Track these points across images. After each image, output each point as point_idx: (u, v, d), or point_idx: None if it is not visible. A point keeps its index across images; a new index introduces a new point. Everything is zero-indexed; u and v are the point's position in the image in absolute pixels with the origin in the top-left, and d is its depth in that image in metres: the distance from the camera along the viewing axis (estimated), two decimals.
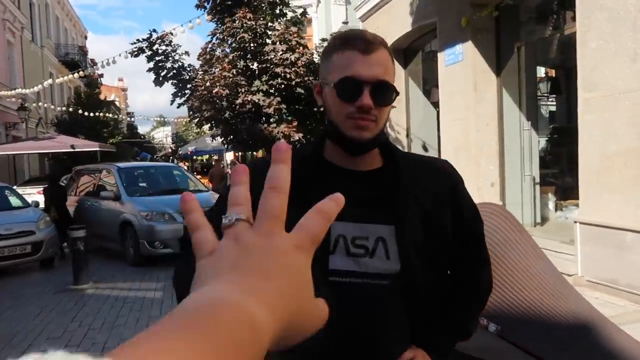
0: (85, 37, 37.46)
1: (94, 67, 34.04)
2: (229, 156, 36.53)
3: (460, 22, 7.38)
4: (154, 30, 7.04)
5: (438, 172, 1.24)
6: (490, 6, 6.98)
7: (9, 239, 7.53)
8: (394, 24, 9.70)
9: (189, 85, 6.86)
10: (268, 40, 6.29)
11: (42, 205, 9.69)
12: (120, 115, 30.76)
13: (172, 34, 6.95)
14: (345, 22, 10.37)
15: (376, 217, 1.13)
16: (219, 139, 7.43)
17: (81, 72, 13.87)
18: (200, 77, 6.51)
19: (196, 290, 0.35)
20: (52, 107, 22.15)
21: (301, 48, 6.31)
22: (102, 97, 26.01)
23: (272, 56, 6.18)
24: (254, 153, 7.47)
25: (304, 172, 1.02)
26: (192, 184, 9.50)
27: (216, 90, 5.96)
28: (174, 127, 61.52)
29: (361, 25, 11.27)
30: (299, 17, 6.84)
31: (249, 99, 6.04)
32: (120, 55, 7.32)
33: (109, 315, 5.34)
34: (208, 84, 6.12)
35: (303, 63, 6.25)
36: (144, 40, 7.10)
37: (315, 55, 6.67)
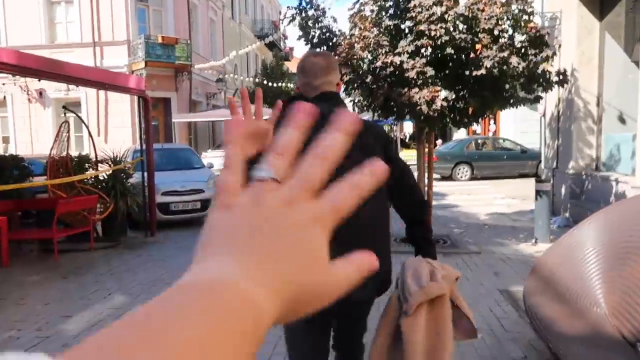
0: (279, 12, 40.20)
1: (285, 39, 36.41)
2: (407, 127, 35.89)
3: None
4: None
5: None
6: None
7: (182, 195, 8.46)
8: None
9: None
10: None
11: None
12: None
13: None
14: None
15: None
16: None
17: (266, 40, 14.66)
18: (342, 39, 6.19)
19: (204, 256, 0.34)
20: (247, 78, 24.42)
21: (450, 1, 5.50)
22: (291, 68, 27.74)
23: (417, 12, 5.53)
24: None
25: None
26: None
27: (354, 50, 5.60)
28: None
29: None
30: None
31: (389, 61, 5.52)
32: (282, 22, 7.44)
33: None
34: (347, 45, 5.78)
35: (452, 17, 5.45)
36: (294, 7, 7.03)
37: (463, 8, 5.75)
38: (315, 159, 0.37)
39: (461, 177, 16.90)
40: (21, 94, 17.52)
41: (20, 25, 17.74)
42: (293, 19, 7.13)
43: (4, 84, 16.94)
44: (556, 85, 6.24)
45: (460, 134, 22.98)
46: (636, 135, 6.93)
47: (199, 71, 19.58)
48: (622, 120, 8.56)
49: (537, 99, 6.38)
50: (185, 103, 19.21)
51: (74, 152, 8.81)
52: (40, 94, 17.67)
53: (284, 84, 21.96)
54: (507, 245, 7.02)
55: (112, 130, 17.68)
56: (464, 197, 12.95)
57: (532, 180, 16.19)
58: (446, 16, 5.36)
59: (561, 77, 6.01)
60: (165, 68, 17.95)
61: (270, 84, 20.92)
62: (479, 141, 18.22)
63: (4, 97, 18.01)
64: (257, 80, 22.14)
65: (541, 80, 6.07)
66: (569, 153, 8.95)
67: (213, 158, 13.57)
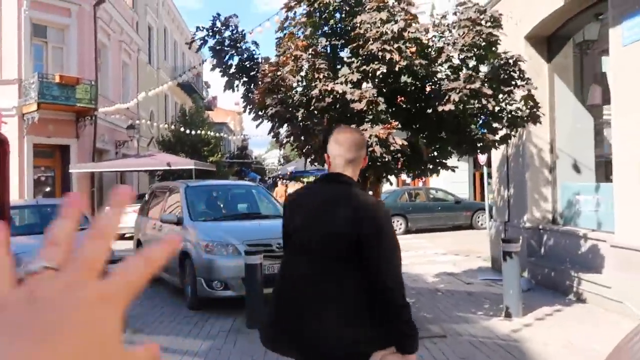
0: (203, 62, 38.79)
1: (207, 87, 34.94)
2: None
3: None
4: (218, 15, 5.51)
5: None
6: None
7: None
8: (536, 2, 7.33)
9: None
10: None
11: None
12: (229, 135, 30.91)
13: (236, 16, 5.36)
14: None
15: None
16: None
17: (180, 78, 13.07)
18: (266, 63, 4.77)
19: None
20: (162, 125, 22.42)
21: (409, 15, 4.30)
22: (214, 119, 26.03)
23: (366, 28, 4.26)
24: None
25: None
26: (268, 208, 7.97)
27: (281, 73, 4.19)
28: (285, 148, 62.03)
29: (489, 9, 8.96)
30: None
31: (329, 89, 4.15)
32: (190, 48, 5.94)
33: None
34: (273, 68, 4.36)
35: (410, 36, 4.23)
36: (206, 28, 5.57)
37: (421, 29, 4.59)
38: (92, 239, 0.34)
39: (395, 230, 15.80)
40: None
41: None
42: (205, 41, 5.68)
43: None
44: (527, 123, 5.22)
45: (388, 185, 22.26)
46: (613, 185, 6.01)
47: (104, 116, 17.42)
48: (576, 168, 7.79)
49: (505, 140, 5.28)
50: (87, 152, 16.86)
51: None
52: None
53: (203, 132, 20.20)
54: (474, 322, 5.69)
55: None
56: (403, 254, 11.72)
57: (469, 232, 15.52)
58: (404, 34, 4.12)
59: (534, 110, 4.97)
60: (63, 112, 15.70)
61: (188, 131, 19.12)
62: (412, 192, 17.41)
63: None
64: (174, 127, 20.21)
65: (509, 117, 4.99)
66: (524, 205, 8.00)
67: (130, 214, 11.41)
